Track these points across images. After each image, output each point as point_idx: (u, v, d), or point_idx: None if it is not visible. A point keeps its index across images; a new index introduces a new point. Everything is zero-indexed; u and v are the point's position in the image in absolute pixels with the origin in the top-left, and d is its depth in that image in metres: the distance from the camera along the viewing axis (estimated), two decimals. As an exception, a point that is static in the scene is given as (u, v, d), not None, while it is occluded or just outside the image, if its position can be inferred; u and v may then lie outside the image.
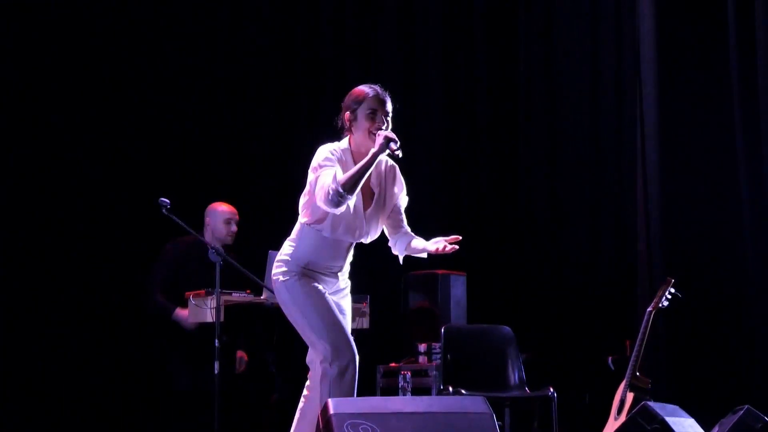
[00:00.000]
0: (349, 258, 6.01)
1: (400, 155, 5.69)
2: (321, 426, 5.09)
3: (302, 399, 6.06)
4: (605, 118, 9.32)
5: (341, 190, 5.57)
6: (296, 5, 10.14)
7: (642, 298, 8.14)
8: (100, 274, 9.30)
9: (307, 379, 6.01)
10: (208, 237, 8.03)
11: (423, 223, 6.10)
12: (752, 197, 8.02)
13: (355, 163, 5.75)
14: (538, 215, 9.64)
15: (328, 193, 5.59)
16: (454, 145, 9.96)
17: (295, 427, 6.03)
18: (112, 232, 9.41)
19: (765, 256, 8.05)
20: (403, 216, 6.00)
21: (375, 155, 5.67)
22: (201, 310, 7.49)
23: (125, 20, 9.73)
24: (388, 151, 5.67)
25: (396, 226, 5.97)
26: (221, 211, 8.09)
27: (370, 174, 5.78)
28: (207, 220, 8.10)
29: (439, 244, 5.73)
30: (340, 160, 5.78)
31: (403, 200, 6.00)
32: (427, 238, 5.84)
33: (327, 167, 5.71)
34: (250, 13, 10.11)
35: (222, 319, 7.26)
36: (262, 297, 7.52)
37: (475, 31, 9.90)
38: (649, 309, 7.22)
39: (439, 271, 8.46)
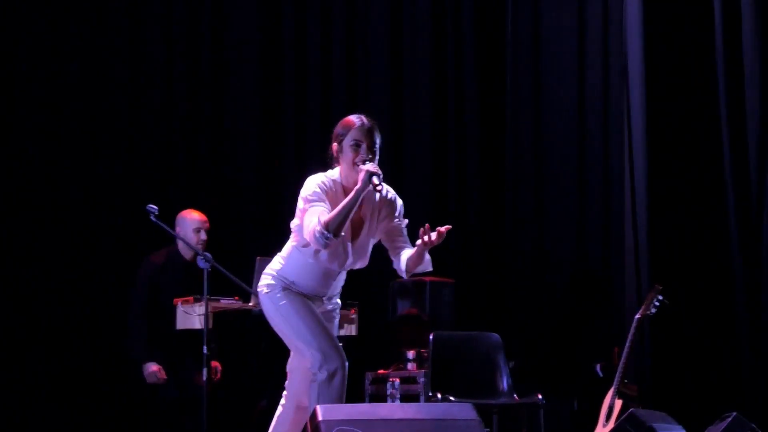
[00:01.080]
0: (338, 284, 5.99)
1: (382, 190, 5.65)
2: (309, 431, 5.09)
3: (279, 407, 6.12)
4: (592, 124, 9.31)
5: (326, 232, 5.57)
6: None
7: (630, 305, 8.13)
8: (85, 278, 9.28)
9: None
10: (179, 246, 7.98)
11: (409, 231, 6.06)
12: (738, 202, 8.02)
13: (345, 194, 5.72)
14: (526, 223, 9.63)
15: (314, 233, 5.58)
16: (441, 153, 9.94)
17: None
18: (99, 237, 9.40)
19: (752, 263, 8.05)
20: (404, 238, 5.89)
21: (358, 192, 5.63)
22: (189, 316, 7.48)
23: (109, 26, 9.73)
24: (370, 186, 5.63)
25: (396, 249, 5.88)
26: (190, 219, 7.96)
27: (362, 204, 5.76)
28: (177, 229, 7.92)
29: (424, 236, 5.61)
30: (328, 192, 5.75)
31: (400, 227, 5.90)
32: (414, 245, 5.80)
33: (314, 204, 5.68)
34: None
35: (210, 326, 7.28)
36: (250, 303, 7.51)
37: (464, 31, 9.90)
38: (637, 316, 7.22)
39: (427, 278, 8.44)
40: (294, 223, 5.84)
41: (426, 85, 9.95)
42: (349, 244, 5.78)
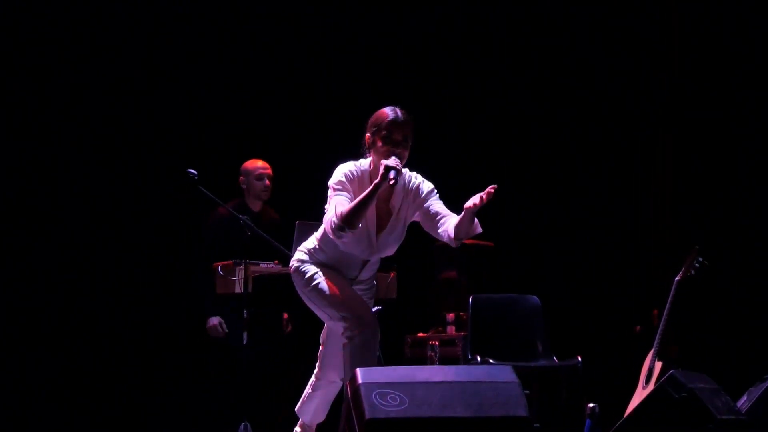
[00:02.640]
0: (367, 272, 6.03)
1: (396, 184, 5.65)
2: (349, 395, 5.11)
3: (313, 376, 6.19)
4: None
5: (341, 223, 5.62)
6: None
7: (669, 267, 8.12)
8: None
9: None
10: (247, 197, 8.07)
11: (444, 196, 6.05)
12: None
13: (370, 178, 5.77)
14: (562, 185, 9.68)
15: (331, 224, 5.66)
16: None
17: (302, 403, 6.20)
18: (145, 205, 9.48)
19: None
20: (442, 213, 5.84)
21: (376, 186, 5.65)
22: (229, 280, 7.51)
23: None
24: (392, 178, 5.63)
25: (437, 227, 5.83)
26: (252, 167, 8.09)
27: (391, 196, 5.80)
28: (241, 179, 8.11)
29: (474, 199, 5.57)
30: (354, 181, 5.77)
31: (434, 205, 5.87)
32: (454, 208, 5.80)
33: (338, 193, 5.73)
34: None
35: (250, 289, 7.32)
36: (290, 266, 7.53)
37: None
38: (677, 278, 7.21)
39: (467, 241, 8.45)
40: (327, 207, 5.87)
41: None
42: (374, 235, 5.82)
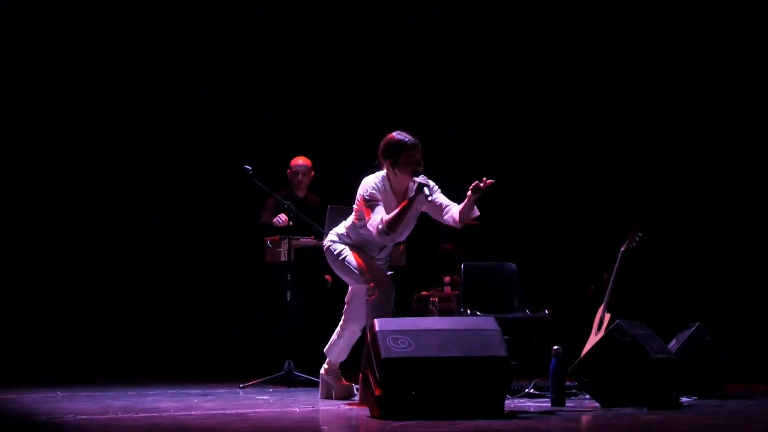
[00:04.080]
0: (384, 252, 6.12)
1: (431, 200, 5.74)
2: (369, 340, 5.17)
3: (339, 326, 6.28)
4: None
5: (387, 229, 5.74)
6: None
7: (615, 240, 8.12)
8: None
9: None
10: (291, 186, 8.05)
11: (434, 171, 6.09)
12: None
13: (393, 194, 5.86)
14: (538, 178, 9.63)
15: (379, 231, 5.75)
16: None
17: (330, 346, 6.28)
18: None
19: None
20: (445, 203, 5.91)
21: (411, 200, 5.78)
22: (276, 251, 7.57)
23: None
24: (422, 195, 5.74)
25: (443, 214, 5.93)
26: (291, 164, 8.10)
27: (404, 192, 5.90)
28: (288, 172, 8.12)
29: (473, 187, 5.71)
30: (380, 191, 5.85)
31: (439, 198, 5.92)
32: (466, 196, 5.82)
33: (376, 204, 5.80)
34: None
35: (293, 258, 7.38)
36: (323, 242, 7.56)
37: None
38: (622, 249, 7.20)
39: (460, 221, 8.45)
40: (355, 206, 5.98)
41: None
42: None
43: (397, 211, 5.80)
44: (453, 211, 5.87)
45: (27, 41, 9.12)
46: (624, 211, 8.59)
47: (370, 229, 5.82)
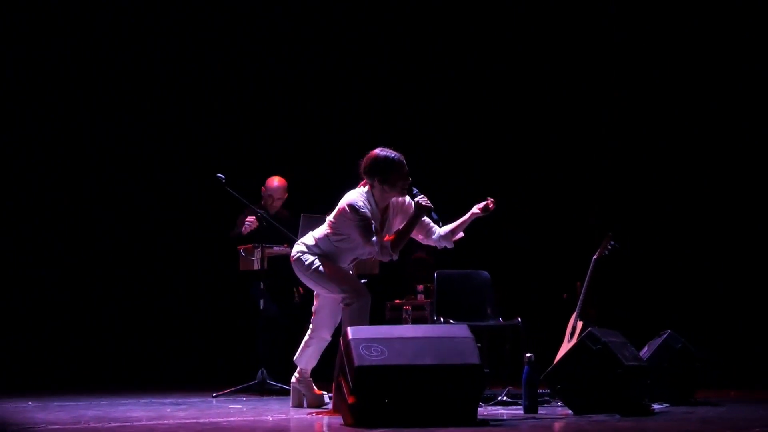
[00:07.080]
0: (355, 261, 6.10)
1: (439, 223, 5.80)
2: (342, 348, 5.16)
3: (307, 334, 6.25)
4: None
5: (391, 251, 5.74)
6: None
7: (588, 249, 8.16)
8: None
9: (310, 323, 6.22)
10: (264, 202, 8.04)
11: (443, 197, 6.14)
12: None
13: (377, 207, 5.82)
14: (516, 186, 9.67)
15: (381, 254, 5.74)
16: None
17: (299, 354, 6.25)
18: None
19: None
20: (429, 222, 5.96)
21: (415, 220, 5.80)
22: (249, 259, 7.55)
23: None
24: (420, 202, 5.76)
25: (429, 232, 5.98)
26: (267, 185, 8.04)
27: (387, 209, 5.88)
28: (262, 189, 8.07)
29: (479, 206, 5.84)
30: (368, 208, 5.80)
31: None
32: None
33: (370, 224, 5.75)
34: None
35: (266, 267, 7.36)
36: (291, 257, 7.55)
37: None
38: (594, 257, 7.23)
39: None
40: (330, 218, 5.93)
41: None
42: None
43: (402, 232, 5.81)
44: (441, 231, 5.93)
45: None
46: (597, 219, 8.62)
47: (370, 250, 5.79)
